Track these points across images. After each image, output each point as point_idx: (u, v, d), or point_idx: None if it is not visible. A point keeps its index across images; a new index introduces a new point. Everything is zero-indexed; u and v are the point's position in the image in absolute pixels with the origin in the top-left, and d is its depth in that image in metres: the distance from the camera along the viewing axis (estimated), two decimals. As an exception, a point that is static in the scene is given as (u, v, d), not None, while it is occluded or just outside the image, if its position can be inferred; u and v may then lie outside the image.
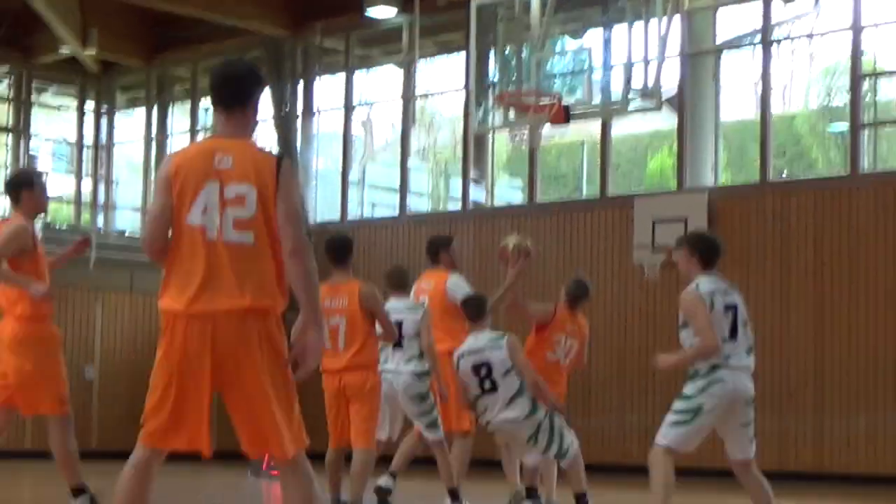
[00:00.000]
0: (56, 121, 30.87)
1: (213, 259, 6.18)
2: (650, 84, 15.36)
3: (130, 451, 6.23)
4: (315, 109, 26.54)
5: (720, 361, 9.30)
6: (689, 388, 9.40)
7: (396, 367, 11.55)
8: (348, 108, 26.15)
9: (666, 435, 9.30)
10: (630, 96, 15.61)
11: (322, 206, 26.38)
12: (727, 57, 22.05)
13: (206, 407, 6.24)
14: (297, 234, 6.27)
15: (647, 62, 15.45)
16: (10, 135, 28.91)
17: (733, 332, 9.45)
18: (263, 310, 6.21)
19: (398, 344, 11.40)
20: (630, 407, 21.02)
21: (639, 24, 15.39)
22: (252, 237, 6.23)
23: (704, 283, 9.44)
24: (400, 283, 12.07)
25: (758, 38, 20.98)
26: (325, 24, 25.70)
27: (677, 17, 17.51)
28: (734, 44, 22.05)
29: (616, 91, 15.70)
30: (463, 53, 22.27)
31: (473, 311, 11.27)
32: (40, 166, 29.66)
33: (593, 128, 21.92)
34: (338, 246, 11.22)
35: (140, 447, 6.38)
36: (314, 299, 6.39)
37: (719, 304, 9.45)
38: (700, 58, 21.63)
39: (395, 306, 11.48)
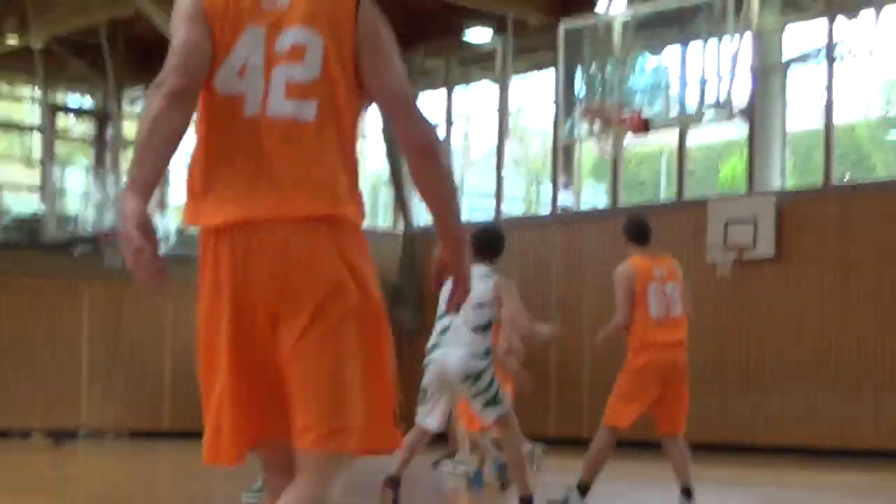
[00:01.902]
0: (188, 136, 31.26)
1: (254, 145, 3.50)
2: (723, 97, 15.35)
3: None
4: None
5: None
6: None
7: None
8: (448, 121, 26.32)
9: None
10: (704, 108, 15.60)
11: (423, 211, 26.53)
12: (793, 71, 21.95)
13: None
14: (416, 121, 3.61)
15: (719, 77, 15.46)
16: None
17: None
18: (339, 220, 3.51)
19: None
20: (692, 392, 21.07)
21: (712, 42, 15.38)
22: (314, 111, 3.51)
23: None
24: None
25: (822, 53, 20.87)
26: (426, 46, 25.88)
27: (748, 35, 17.50)
28: (800, 59, 21.91)
29: (691, 104, 15.70)
30: (552, 71, 22.35)
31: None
32: (176, 177, 30.15)
33: (671, 137, 21.93)
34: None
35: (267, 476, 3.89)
36: (454, 212, 3.76)
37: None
38: (768, 72, 21.58)
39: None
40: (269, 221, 3.48)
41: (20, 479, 14.23)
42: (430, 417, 9.40)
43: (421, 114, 3.65)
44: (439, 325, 9.39)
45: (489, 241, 9.59)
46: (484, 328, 9.18)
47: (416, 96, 3.73)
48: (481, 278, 8.99)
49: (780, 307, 20.19)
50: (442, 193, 3.71)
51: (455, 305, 3.82)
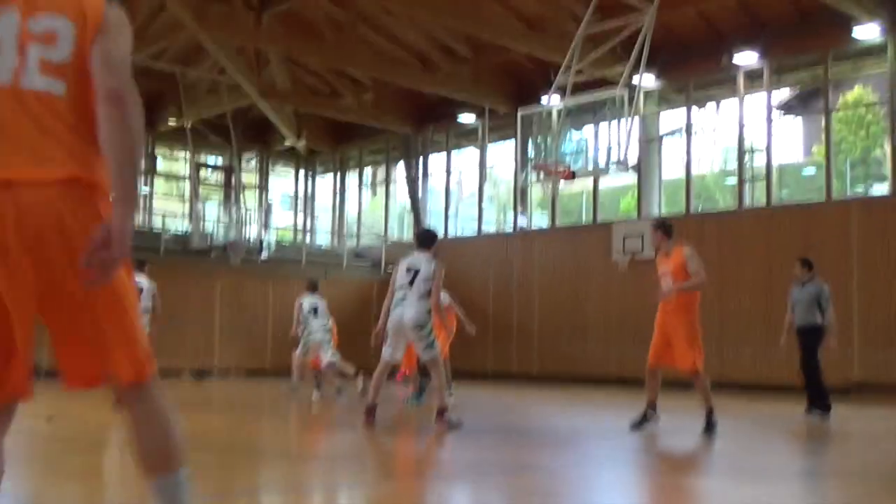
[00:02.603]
0: (282, 183, 31.48)
1: (7, 113, 2.57)
2: (621, 157, 15.37)
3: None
4: (429, 174, 26.90)
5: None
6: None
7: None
8: (448, 172, 26.50)
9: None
10: (609, 164, 15.66)
11: (433, 229, 26.68)
12: (666, 141, 22.14)
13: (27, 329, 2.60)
14: (120, 78, 2.62)
15: (619, 144, 15.51)
16: (257, 190, 29.58)
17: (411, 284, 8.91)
18: (86, 183, 2.59)
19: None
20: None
21: (614, 123, 15.43)
22: (63, 87, 2.62)
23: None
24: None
25: (683, 129, 21.04)
26: (434, 125, 26.10)
27: (636, 118, 17.68)
28: (670, 133, 22.10)
29: (602, 161, 15.74)
30: (513, 141, 22.56)
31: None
32: (275, 208, 30.37)
33: (588, 182, 22.11)
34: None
35: None
36: (130, 164, 2.57)
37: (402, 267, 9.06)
38: (650, 141, 21.81)
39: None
40: (22, 183, 2.51)
41: (177, 400, 14.38)
42: (391, 354, 9.09)
43: (121, 67, 2.64)
44: (399, 294, 9.01)
45: (430, 237, 9.50)
46: (426, 295, 8.95)
47: (128, 67, 2.67)
48: (427, 261, 9.11)
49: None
50: (126, 142, 2.57)
51: (100, 261, 2.45)
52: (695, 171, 21.94)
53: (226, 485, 5.50)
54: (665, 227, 9.42)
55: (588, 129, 17.25)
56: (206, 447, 7.02)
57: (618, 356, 20.38)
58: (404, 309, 8.94)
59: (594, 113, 16.89)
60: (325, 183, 30.72)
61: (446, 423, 8.68)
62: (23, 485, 5.45)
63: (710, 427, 8.71)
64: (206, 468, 6.35)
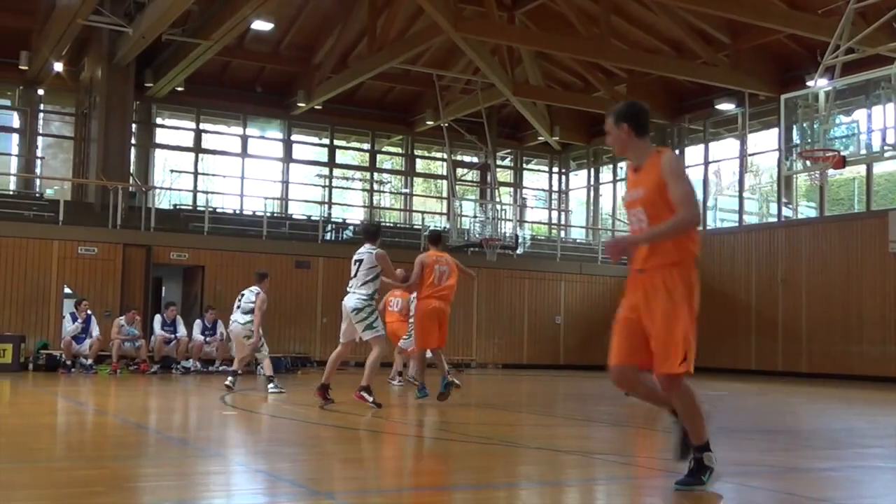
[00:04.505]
0: (536, 178, 31.78)
1: None
2: (898, 140, 14.44)
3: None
4: (685, 165, 26.22)
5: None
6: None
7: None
8: (706, 163, 25.80)
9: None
10: (885, 148, 14.74)
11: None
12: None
13: None
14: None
15: (895, 127, 14.57)
16: (512, 188, 30.05)
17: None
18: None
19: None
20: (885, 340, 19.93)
21: (889, 105, 14.51)
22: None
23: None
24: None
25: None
26: (690, 115, 25.50)
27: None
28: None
29: (875, 144, 14.86)
30: (775, 129, 21.66)
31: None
32: (528, 205, 30.74)
33: (860, 168, 20.81)
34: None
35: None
36: (653, 237, 4.72)
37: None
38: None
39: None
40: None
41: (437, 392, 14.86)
42: (343, 336, 10.06)
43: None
44: (349, 283, 10.02)
45: (374, 231, 10.34)
46: (368, 282, 9.92)
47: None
48: (368, 252, 10.01)
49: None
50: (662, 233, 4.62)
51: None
52: None
53: (485, 476, 5.62)
54: None
55: (860, 111, 16.27)
56: (466, 438, 7.19)
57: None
58: (348, 296, 10.00)
59: (867, 94, 15.89)
60: (578, 178, 30.71)
61: (361, 398, 9.52)
62: (299, 468, 5.84)
63: None
64: (465, 459, 6.53)
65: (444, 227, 26.61)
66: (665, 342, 4.64)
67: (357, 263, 10.05)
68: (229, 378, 12.36)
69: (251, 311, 12.33)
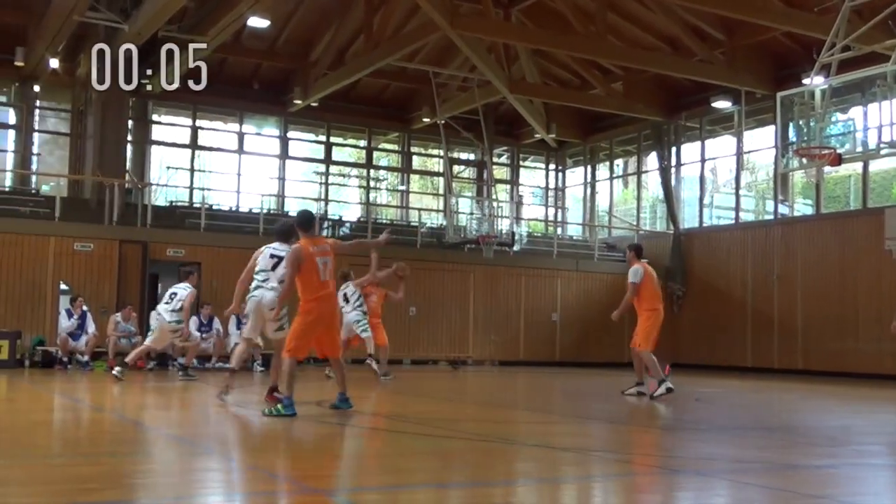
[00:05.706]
0: (533, 175, 31.75)
1: None
2: (894, 137, 14.45)
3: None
4: (681, 162, 26.27)
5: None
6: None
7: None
8: (703, 160, 25.79)
9: None
10: (881, 145, 14.73)
11: (687, 219, 26.08)
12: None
13: None
14: None
15: (891, 124, 14.57)
16: (508, 185, 30.03)
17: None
18: None
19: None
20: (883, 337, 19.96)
21: (884, 103, 14.51)
22: None
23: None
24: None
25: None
26: (687, 113, 25.49)
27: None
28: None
29: (871, 142, 14.85)
30: (772, 127, 21.66)
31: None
32: (525, 202, 30.73)
33: (856, 166, 20.81)
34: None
35: None
36: None
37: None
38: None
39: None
40: None
41: (433, 389, 14.80)
42: (252, 332, 10.07)
43: None
44: (260, 277, 9.80)
45: (287, 231, 9.76)
46: (283, 281, 9.43)
47: None
48: (284, 252, 9.52)
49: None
50: None
51: None
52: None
53: (481, 473, 5.61)
54: None
55: (856, 109, 16.28)
56: (461, 436, 7.19)
57: (893, 351, 19.04)
58: (264, 291, 9.77)
59: (863, 91, 15.90)
60: (575, 175, 30.70)
61: (274, 400, 8.87)
62: (295, 465, 5.81)
63: None
64: (462, 456, 6.52)
65: (441, 224, 26.59)
66: None
67: (275, 259, 9.72)
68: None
69: (181, 309, 13.21)
